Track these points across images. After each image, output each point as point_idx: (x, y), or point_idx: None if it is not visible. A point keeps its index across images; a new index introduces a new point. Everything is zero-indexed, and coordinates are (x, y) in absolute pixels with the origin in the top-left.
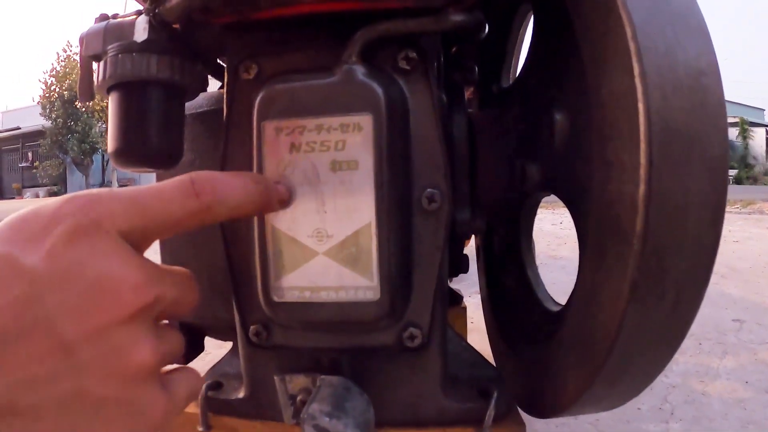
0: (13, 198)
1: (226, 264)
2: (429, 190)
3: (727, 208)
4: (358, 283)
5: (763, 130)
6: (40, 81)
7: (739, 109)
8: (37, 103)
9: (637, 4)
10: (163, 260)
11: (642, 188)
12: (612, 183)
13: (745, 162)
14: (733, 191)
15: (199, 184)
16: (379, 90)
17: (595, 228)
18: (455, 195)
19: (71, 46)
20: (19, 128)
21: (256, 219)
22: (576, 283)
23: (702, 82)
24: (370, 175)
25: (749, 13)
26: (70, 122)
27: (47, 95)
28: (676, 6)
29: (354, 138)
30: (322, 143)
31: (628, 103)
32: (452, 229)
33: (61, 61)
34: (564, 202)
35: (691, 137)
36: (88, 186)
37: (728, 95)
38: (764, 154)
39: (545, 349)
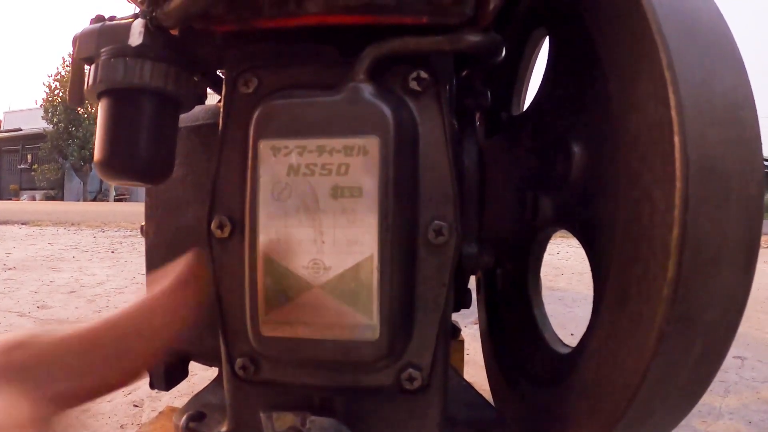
0: (10, 199)
1: (214, 291)
2: (436, 222)
3: None
4: (356, 321)
5: None
6: (44, 84)
7: None
8: (40, 106)
9: (672, 29)
10: (149, 281)
11: (676, 231)
12: (641, 223)
13: None
14: None
15: None
16: (387, 111)
17: (618, 270)
18: (463, 228)
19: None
20: (21, 130)
21: (247, 246)
22: (590, 325)
23: (739, 116)
24: (375, 203)
25: (747, 36)
26: (72, 127)
27: (50, 99)
28: (710, 33)
29: (358, 162)
30: (323, 166)
31: (662, 136)
32: (458, 264)
33: (66, 66)
34: (578, 239)
35: (729, 175)
36: (85, 192)
37: None
38: None
39: (553, 393)
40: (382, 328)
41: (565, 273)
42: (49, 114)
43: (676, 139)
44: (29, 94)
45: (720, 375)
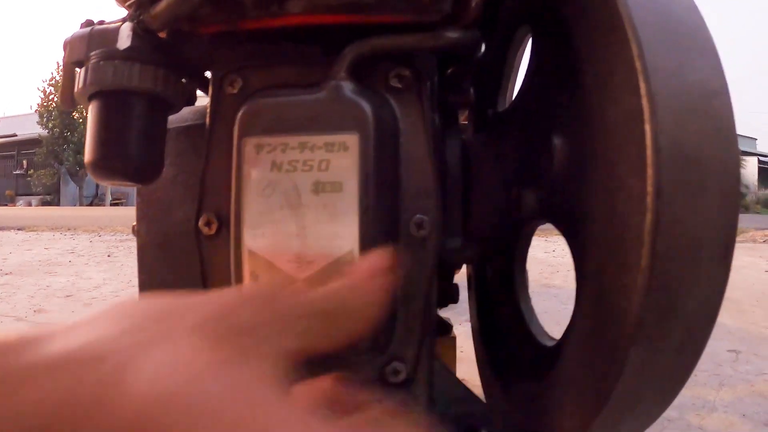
0: (6, 205)
1: (201, 286)
2: (418, 216)
3: None
4: None
5: (755, 159)
6: (38, 89)
7: None
8: (35, 111)
9: (644, 21)
10: (140, 279)
11: (649, 217)
12: (617, 212)
13: None
14: None
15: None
16: (367, 108)
17: (597, 260)
18: (446, 222)
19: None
20: (16, 135)
21: (233, 241)
22: (572, 317)
23: (714, 104)
24: (355, 198)
25: (740, 43)
26: (67, 132)
27: (45, 104)
28: (684, 24)
29: (339, 158)
30: (305, 162)
31: (635, 125)
32: (442, 258)
33: (61, 70)
34: (561, 232)
35: (703, 163)
36: (81, 197)
37: None
38: (756, 183)
39: (539, 385)
40: None
41: (561, 270)
42: (44, 119)
43: (647, 128)
44: (24, 99)
45: (714, 368)
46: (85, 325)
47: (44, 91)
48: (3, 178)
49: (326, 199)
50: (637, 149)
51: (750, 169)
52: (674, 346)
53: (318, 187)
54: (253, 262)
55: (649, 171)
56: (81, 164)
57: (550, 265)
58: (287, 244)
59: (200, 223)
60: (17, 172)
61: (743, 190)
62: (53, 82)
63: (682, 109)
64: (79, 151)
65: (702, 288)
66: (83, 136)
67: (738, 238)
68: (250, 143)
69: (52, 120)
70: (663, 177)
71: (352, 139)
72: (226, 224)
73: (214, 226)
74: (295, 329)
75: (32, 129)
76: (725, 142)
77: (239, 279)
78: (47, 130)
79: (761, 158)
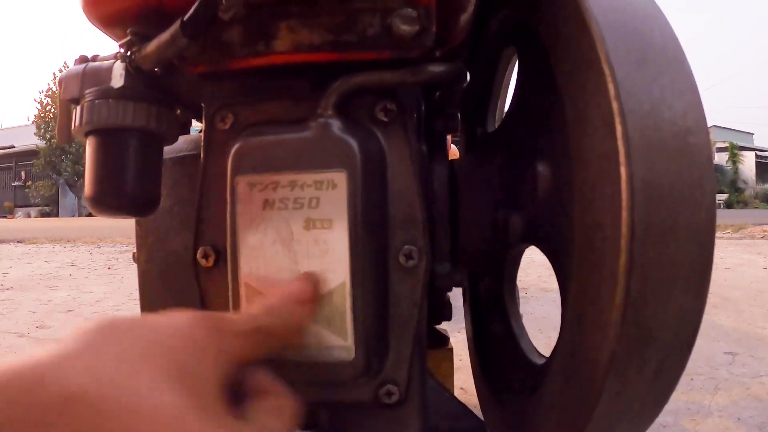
0: (5, 217)
1: None
2: (407, 246)
3: (718, 234)
4: (332, 343)
5: (752, 154)
6: (35, 101)
7: (728, 134)
8: (32, 122)
9: (622, 57)
10: (142, 305)
11: (623, 259)
12: (593, 248)
13: (735, 186)
14: (724, 216)
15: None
16: (354, 146)
17: (576, 291)
18: (435, 249)
19: (68, 67)
20: (14, 147)
21: (229, 273)
22: (558, 339)
23: (689, 142)
24: (345, 233)
25: (738, 39)
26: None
27: (42, 115)
28: (662, 58)
29: (328, 195)
30: (296, 200)
31: (610, 166)
32: (432, 282)
33: (58, 82)
34: (546, 257)
35: (676, 203)
36: (80, 208)
37: (717, 120)
38: (754, 177)
39: (528, 402)
40: (357, 349)
41: None
42: (42, 130)
43: (622, 171)
44: (21, 111)
45: (711, 372)
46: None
47: (41, 103)
48: (1, 190)
49: (317, 235)
50: (612, 190)
51: (747, 164)
52: (649, 376)
53: (309, 224)
54: (249, 294)
55: (624, 214)
56: (79, 175)
57: (548, 269)
58: (282, 277)
59: (198, 255)
60: (15, 183)
61: (741, 185)
62: (50, 93)
63: (658, 149)
64: (77, 161)
65: (676, 320)
66: (81, 146)
67: (736, 235)
68: (243, 181)
69: (50, 131)
70: (637, 218)
71: (340, 177)
72: (223, 256)
73: (212, 259)
74: (226, 348)
75: (30, 140)
76: (699, 180)
77: (237, 310)
78: (45, 141)
79: (758, 153)
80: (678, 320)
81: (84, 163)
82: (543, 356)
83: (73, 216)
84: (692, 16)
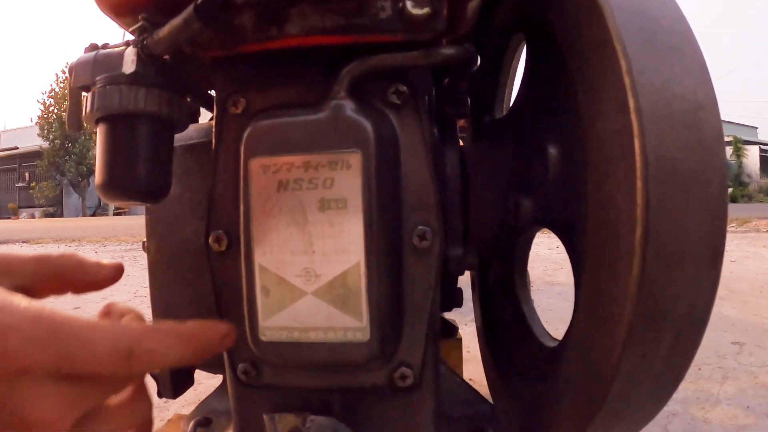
0: (9, 218)
1: (215, 302)
2: (420, 227)
3: None
4: (347, 324)
5: (756, 148)
6: (38, 102)
7: (732, 128)
8: (36, 123)
9: (632, 35)
10: (152, 294)
11: (638, 231)
12: (608, 224)
13: (739, 180)
14: (729, 210)
15: (136, 358)
16: (368, 126)
17: (591, 269)
18: (447, 231)
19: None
20: (17, 148)
21: (243, 258)
22: (571, 321)
23: (700, 117)
24: (359, 214)
25: (742, 33)
26: (68, 144)
27: (45, 116)
28: (671, 37)
29: (342, 176)
30: (310, 181)
31: (623, 141)
32: (444, 266)
33: (60, 82)
34: (559, 239)
35: (689, 176)
36: (84, 208)
37: (722, 114)
38: (758, 171)
39: (540, 387)
40: (371, 330)
41: (565, 267)
42: (45, 131)
43: (636, 144)
44: (24, 112)
45: (718, 361)
46: None
47: (44, 103)
48: (5, 191)
49: (332, 216)
50: (626, 164)
51: (752, 158)
52: (665, 351)
53: (323, 205)
54: (263, 277)
55: (638, 185)
56: (83, 175)
57: (554, 262)
58: (296, 259)
59: (210, 240)
60: (19, 184)
61: (746, 179)
62: (53, 93)
63: (669, 124)
64: (81, 161)
65: (691, 294)
66: (84, 147)
67: (741, 228)
68: (256, 164)
69: (53, 132)
70: (651, 190)
71: (354, 157)
72: (236, 241)
73: (224, 243)
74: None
75: (33, 141)
76: (710, 155)
77: (251, 293)
78: (48, 142)
79: (762, 147)
80: (693, 293)
81: (88, 163)
82: (555, 339)
83: (78, 216)
84: (695, 9)
